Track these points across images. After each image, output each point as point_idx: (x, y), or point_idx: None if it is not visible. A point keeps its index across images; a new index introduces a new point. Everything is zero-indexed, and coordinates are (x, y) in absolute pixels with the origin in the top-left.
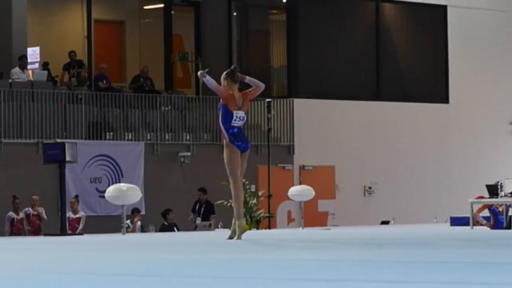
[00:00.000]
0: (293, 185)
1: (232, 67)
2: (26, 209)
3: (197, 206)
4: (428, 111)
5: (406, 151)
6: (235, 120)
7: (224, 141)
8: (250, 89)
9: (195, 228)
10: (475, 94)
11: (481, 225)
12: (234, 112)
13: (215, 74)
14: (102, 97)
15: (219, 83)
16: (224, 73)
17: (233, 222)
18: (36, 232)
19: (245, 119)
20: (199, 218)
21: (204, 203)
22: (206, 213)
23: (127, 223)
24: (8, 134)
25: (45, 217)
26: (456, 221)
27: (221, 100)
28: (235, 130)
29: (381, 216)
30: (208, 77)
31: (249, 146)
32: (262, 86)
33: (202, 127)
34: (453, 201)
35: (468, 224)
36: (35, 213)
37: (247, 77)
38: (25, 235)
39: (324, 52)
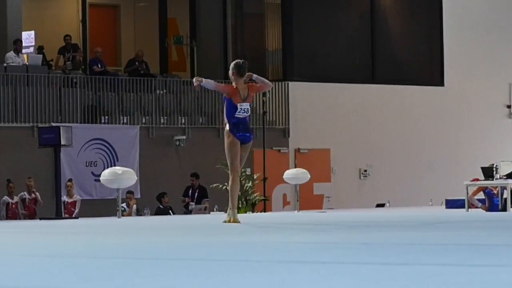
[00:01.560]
0: (288, 168)
1: (241, 61)
2: (22, 193)
3: (190, 191)
4: (423, 94)
5: (401, 134)
6: (239, 112)
7: (225, 129)
8: (257, 84)
9: (190, 212)
10: (470, 77)
11: (476, 207)
12: (238, 104)
13: (210, 58)
14: (97, 81)
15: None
16: (232, 63)
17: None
18: (31, 216)
19: (249, 111)
20: (193, 203)
21: (197, 188)
22: (199, 197)
23: (123, 206)
24: (3, 118)
25: (41, 201)
26: (451, 204)
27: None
28: (237, 120)
29: (376, 199)
30: (204, 81)
31: (251, 138)
32: (269, 85)
33: (197, 110)
34: (448, 184)
35: (463, 207)
36: (31, 197)
37: (255, 75)
38: (20, 219)
39: (319, 35)
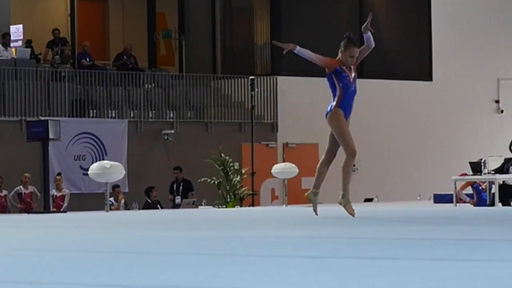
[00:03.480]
0: (276, 163)
1: (346, 34)
2: (18, 187)
3: (174, 186)
4: (412, 89)
5: (389, 129)
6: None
7: (333, 109)
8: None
9: (178, 206)
10: (459, 72)
11: (465, 202)
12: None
13: (199, 52)
14: (86, 75)
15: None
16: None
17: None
18: (28, 210)
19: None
20: (178, 197)
21: (182, 181)
22: (184, 190)
23: (110, 201)
24: None
25: (39, 194)
26: (440, 199)
27: (326, 70)
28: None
29: (365, 193)
30: (298, 47)
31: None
32: (371, 46)
33: (185, 104)
34: (436, 179)
35: (451, 202)
36: (27, 191)
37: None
38: (9, 212)
39: (307, 30)
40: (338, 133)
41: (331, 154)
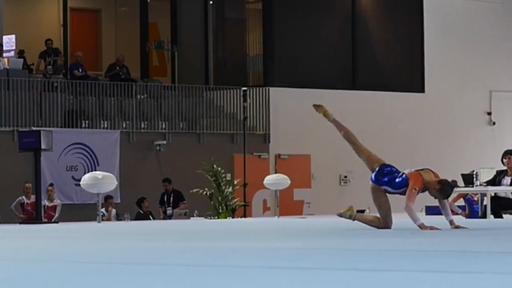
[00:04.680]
0: (268, 174)
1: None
2: (20, 198)
3: (165, 197)
4: (404, 100)
5: (381, 140)
6: None
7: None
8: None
9: (170, 217)
10: (451, 84)
11: (456, 214)
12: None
13: (191, 63)
14: (78, 85)
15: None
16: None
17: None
18: (30, 220)
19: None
20: (170, 208)
21: (172, 192)
22: (175, 201)
23: (102, 212)
24: None
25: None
26: (431, 210)
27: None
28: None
29: (357, 205)
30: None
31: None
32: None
33: (178, 115)
34: None
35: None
36: (29, 201)
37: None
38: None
39: (300, 41)
40: (379, 205)
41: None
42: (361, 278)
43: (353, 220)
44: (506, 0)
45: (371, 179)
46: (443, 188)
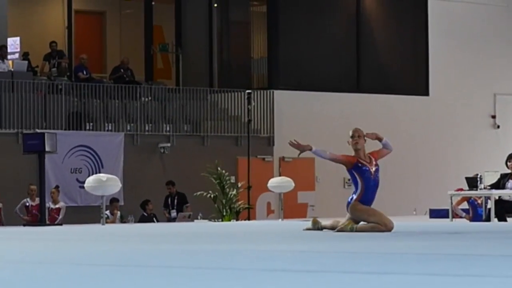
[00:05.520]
0: (272, 177)
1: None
2: (25, 200)
3: (169, 200)
4: (408, 104)
5: None
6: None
7: (353, 202)
8: (378, 150)
9: (174, 219)
10: (455, 87)
11: (460, 217)
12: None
13: (196, 66)
14: (82, 88)
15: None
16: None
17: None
18: (34, 223)
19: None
20: (174, 211)
21: (176, 195)
22: (179, 204)
23: (106, 214)
24: None
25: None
26: (435, 214)
27: (346, 167)
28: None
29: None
30: (314, 148)
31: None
32: (391, 150)
33: (182, 118)
34: (432, 193)
35: (447, 217)
36: (34, 203)
37: (384, 138)
38: (3, 225)
39: (304, 44)
40: (368, 216)
41: None
42: (364, 281)
43: (355, 232)
44: (511, 3)
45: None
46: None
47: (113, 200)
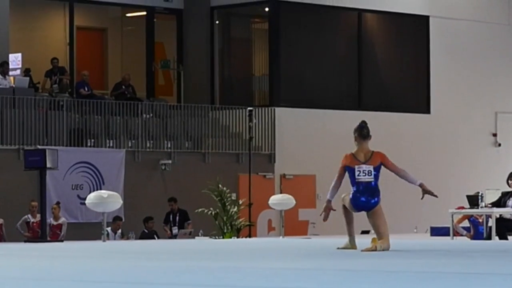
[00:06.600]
0: (273, 194)
1: (363, 122)
2: (26, 216)
3: (170, 217)
4: (410, 121)
5: None
6: (358, 175)
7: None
8: (392, 163)
9: (175, 236)
10: (457, 105)
11: (461, 235)
12: (356, 166)
13: (197, 82)
14: (84, 104)
15: None
16: (355, 128)
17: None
18: (36, 240)
19: (373, 174)
20: (175, 228)
21: (177, 212)
22: (181, 221)
23: (107, 231)
24: None
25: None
26: (436, 231)
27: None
28: (360, 186)
29: (362, 225)
30: (328, 195)
31: (376, 203)
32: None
33: (183, 135)
34: (433, 211)
35: (448, 235)
36: (35, 220)
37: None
38: (4, 241)
39: (306, 61)
40: (385, 224)
41: None
42: None
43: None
44: None
45: (376, 202)
46: (356, 130)
47: (116, 218)
